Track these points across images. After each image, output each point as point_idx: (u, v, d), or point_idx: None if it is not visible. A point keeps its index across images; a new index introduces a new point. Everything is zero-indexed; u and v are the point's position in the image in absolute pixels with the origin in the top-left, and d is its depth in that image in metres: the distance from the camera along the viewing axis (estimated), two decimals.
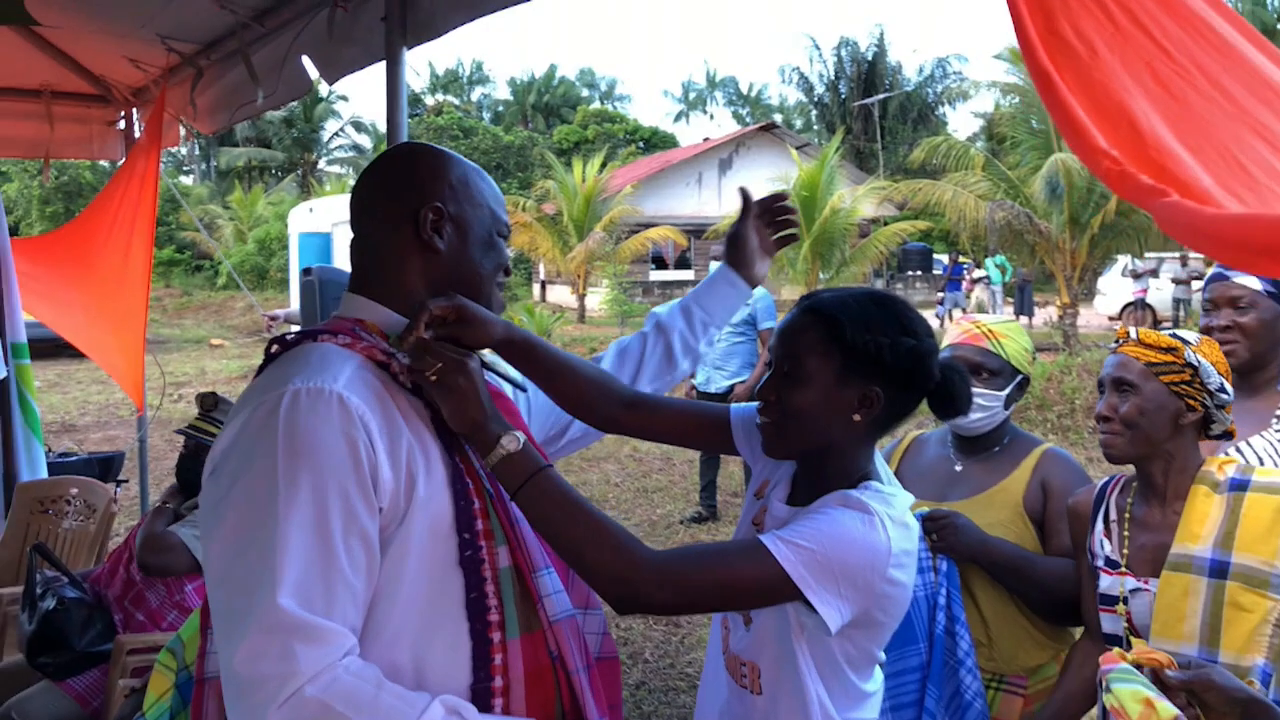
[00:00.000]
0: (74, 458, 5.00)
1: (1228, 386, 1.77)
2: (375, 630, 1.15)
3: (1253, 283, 2.16)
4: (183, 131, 4.29)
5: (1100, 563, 1.83)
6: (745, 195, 1.68)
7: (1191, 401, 1.74)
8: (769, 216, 1.69)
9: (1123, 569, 1.79)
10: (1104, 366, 1.84)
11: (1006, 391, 2.10)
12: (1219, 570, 1.66)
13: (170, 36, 3.68)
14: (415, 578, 1.17)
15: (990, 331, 2.13)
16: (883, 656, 1.36)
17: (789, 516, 1.31)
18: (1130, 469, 1.89)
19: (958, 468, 2.17)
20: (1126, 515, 1.83)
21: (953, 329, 2.22)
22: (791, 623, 1.27)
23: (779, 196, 1.70)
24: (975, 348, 2.11)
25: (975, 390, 2.06)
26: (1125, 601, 1.77)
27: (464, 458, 1.26)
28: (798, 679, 1.27)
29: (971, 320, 2.21)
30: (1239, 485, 1.72)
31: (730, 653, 1.40)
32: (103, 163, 24.64)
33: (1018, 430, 2.21)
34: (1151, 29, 1.13)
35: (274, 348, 1.28)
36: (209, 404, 3.14)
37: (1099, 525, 1.87)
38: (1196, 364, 1.73)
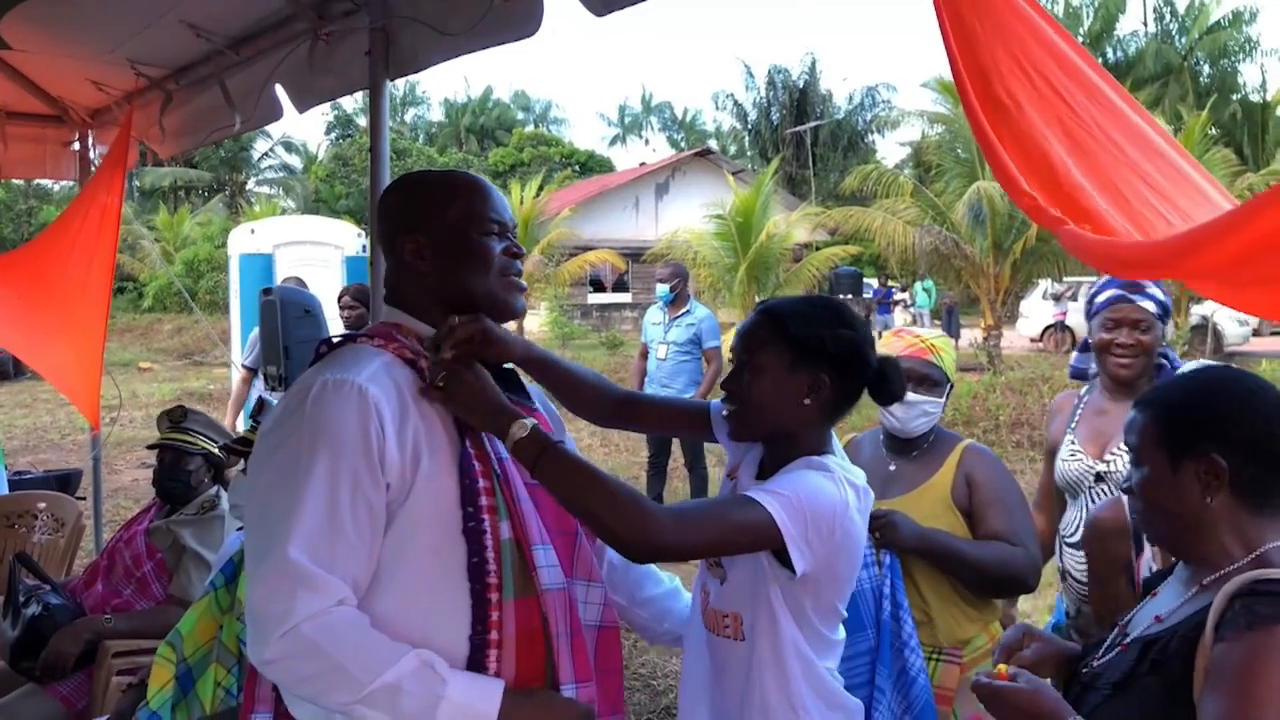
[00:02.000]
0: (31, 475, 4.99)
1: None
2: (386, 585, 1.36)
3: (1150, 306, 2.43)
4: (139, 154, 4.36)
5: None
6: None
7: None
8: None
9: None
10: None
11: (944, 399, 2.35)
12: None
13: (139, 61, 3.77)
14: (421, 542, 1.37)
15: (932, 346, 2.35)
16: (845, 613, 1.58)
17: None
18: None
19: (891, 467, 2.39)
20: None
21: (895, 342, 2.39)
22: (766, 573, 1.49)
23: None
24: (921, 360, 2.31)
25: (921, 398, 2.29)
26: None
27: (476, 443, 1.44)
28: (773, 620, 1.49)
29: (912, 334, 2.41)
30: None
31: (711, 609, 1.60)
32: (16, 181, 23.81)
33: (941, 429, 2.42)
34: (1062, 92, 1.46)
35: (323, 348, 1.50)
36: (178, 416, 3.28)
37: None
38: None
